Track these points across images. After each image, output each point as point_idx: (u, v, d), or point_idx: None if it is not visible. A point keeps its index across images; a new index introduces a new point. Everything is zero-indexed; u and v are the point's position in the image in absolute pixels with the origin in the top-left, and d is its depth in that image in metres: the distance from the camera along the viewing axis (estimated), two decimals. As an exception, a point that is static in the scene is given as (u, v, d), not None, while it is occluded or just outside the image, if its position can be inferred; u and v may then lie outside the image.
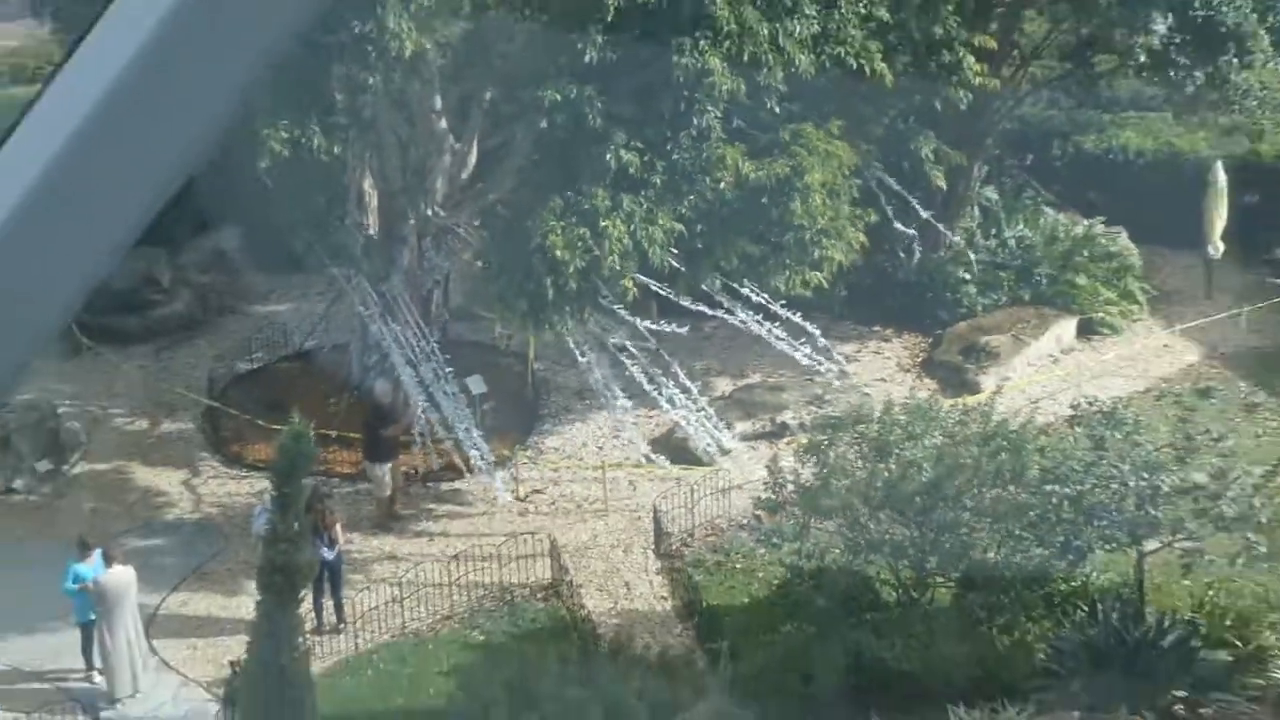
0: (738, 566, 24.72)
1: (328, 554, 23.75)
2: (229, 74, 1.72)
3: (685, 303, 26.90)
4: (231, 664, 21.14)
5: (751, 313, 27.17)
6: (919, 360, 30.06)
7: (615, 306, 26.05)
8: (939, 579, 22.70)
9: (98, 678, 22.86)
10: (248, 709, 20.25)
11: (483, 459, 26.47)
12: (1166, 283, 31.85)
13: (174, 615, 24.13)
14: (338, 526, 24.28)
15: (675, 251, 25.22)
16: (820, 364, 27.81)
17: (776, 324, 27.25)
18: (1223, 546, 22.06)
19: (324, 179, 26.67)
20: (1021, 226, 31.73)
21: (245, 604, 21.26)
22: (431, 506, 26.70)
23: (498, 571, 24.81)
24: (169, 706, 22.47)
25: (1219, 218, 31.26)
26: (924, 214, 30.33)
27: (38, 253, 1.74)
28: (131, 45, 1.67)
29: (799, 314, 27.34)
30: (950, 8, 27.44)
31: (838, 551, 22.86)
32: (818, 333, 27.60)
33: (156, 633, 23.55)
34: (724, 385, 28.81)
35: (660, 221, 24.50)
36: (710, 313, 27.32)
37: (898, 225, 29.97)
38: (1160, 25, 28.49)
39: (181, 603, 24.38)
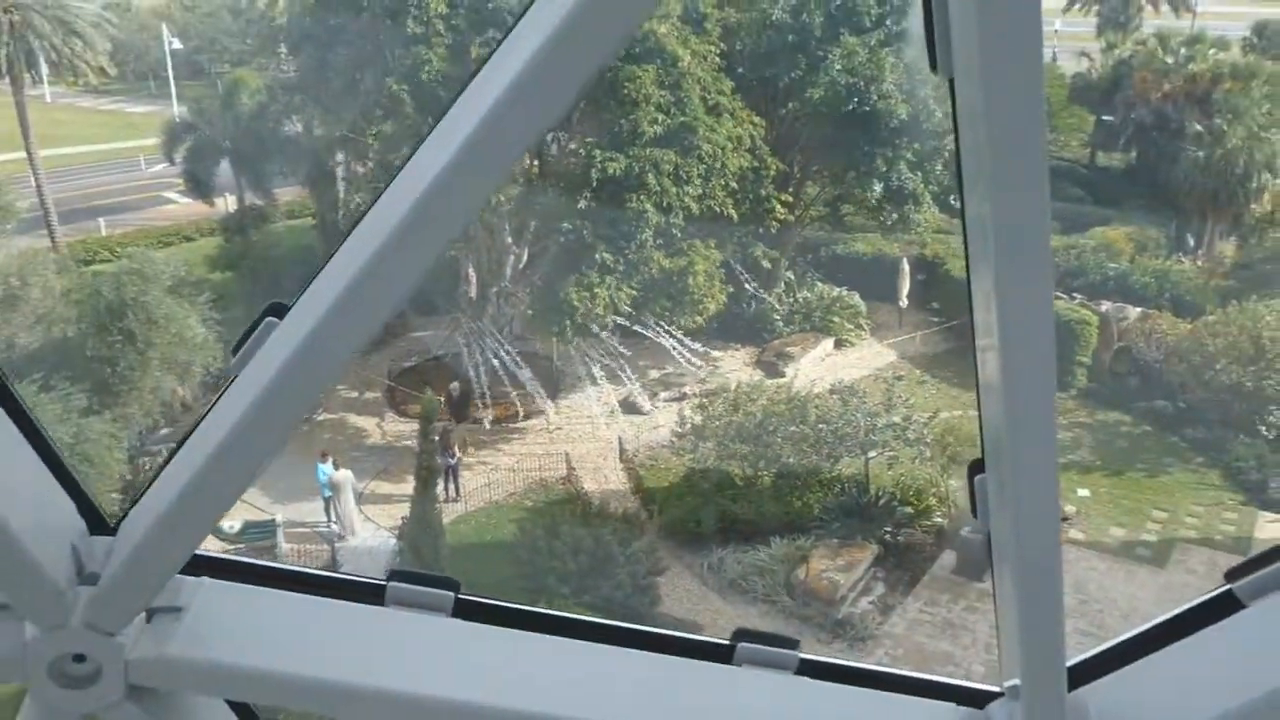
0: (663, 467, 24.48)
1: (451, 461, 23.60)
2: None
3: (636, 329, 26.78)
4: (402, 519, 21.00)
5: (668, 336, 27.11)
6: (755, 360, 29.88)
7: (600, 332, 26.02)
8: (764, 473, 22.61)
9: (333, 525, 22.68)
10: (410, 542, 20.11)
11: (531, 410, 26.49)
12: (879, 320, 31.82)
13: (372, 493, 23.88)
14: (456, 446, 24.09)
15: (630, 306, 25.25)
16: (704, 362, 27.87)
17: (680, 342, 27.24)
18: (908, 454, 22.21)
19: (448, 267, 26.45)
20: (805, 292, 31.63)
21: (408, 487, 21.08)
22: (504, 434, 26.40)
23: (538, 469, 24.61)
24: (370, 540, 22.26)
25: (905, 286, 31.37)
26: (754, 284, 30.33)
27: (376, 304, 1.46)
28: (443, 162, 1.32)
29: (691, 336, 27.29)
30: (768, 180, 27.48)
31: (713, 459, 22.82)
32: (700, 345, 27.66)
33: (362, 502, 23.34)
34: (654, 373, 28.62)
35: (623, 289, 24.56)
36: (648, 335, 27.05)
37: (747, 287, 30.05)
38: (876, 189, 28.55)
39: (375, 487, 24.13)
